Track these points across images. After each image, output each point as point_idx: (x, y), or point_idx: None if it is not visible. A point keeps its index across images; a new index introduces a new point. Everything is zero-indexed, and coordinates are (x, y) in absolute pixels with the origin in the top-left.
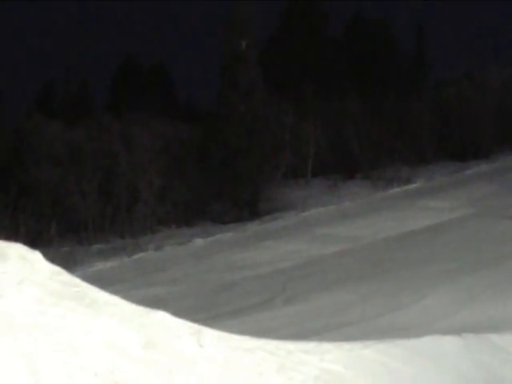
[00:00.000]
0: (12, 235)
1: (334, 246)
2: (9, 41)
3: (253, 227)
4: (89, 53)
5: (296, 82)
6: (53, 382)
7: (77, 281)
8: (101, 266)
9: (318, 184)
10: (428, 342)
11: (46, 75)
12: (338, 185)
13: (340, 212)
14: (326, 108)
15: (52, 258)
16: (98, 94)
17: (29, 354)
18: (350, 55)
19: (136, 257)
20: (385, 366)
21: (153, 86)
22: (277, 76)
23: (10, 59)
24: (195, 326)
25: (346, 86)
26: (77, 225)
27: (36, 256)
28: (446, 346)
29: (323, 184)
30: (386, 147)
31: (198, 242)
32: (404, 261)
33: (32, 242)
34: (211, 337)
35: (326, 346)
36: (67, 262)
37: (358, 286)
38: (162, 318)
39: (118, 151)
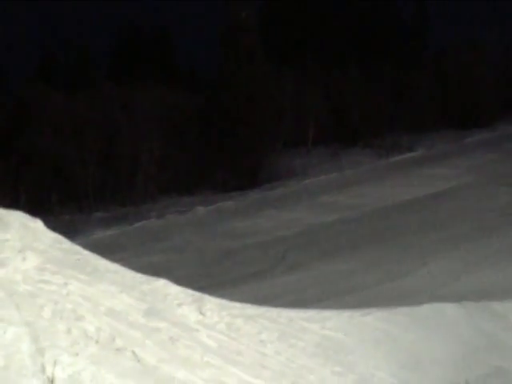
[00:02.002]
0: (13, 204)
1: (335, 214)
2: (8, 10)
3: (253, 195)
4: (89, 21)
5: (296, 50)
6: (55, 350)
7: (78, 248)
8: (102, 234)
9: (318, 152)
10: (429, 310)
11: (47, 44)
12: (338, 153)
13: (341, 180)
14: (326, 76)
15: (53, 226)
16: (99, 62)
17: (31, 322)
18: (350, 24)
19: (137, 225)
20: (386, 333)
21: (154, 54)
22: (277, 45)
23: (10, 29)
24: (196, 294)
25: (346, 55)
26: (78, 193)
27: (37, 224)
28: (447, 313)
29: (324, 152)
30: (386, 115)
31: (199, 210)
32: (405, 228)
33: (33, 210)
34: (212, 304)
35: (327, 314)
36: (68, 231)
37: (359, 253)
38: (163, 285)
39: (119, 120)
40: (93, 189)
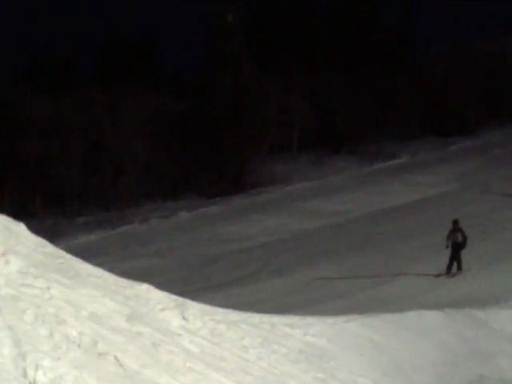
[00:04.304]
0: None
1: (318, 220)
2: None
3: (238, 201)
4: (75, 24)
5: (282, 55)
6: (37, 354)
7: (61, 253)
8: (85, 238)
9: (303, 158)
10: (412, 317)
11: (32, 47)
12: (323, 159)
13: (325, 186)
14: (312, 82)
15: (36, 230)
16: (85, 66)
17: (13, 326)
18: (337, 29)
19: (121, 229)
20: (369, 340)
21: (140, 58)
22: (263, 50)
23: None
24: (179, 299)
25: (332, 61)
26: (61, 197)
27: (20, 227)
28: (430, 320)
29: (309, 158)
30: (371, 122)
31: (183, 215)
32: (389, 235)
33: (16, 213)
34: (195, 310)
35: (310, 320)
36: (51, 234)
37: (342, 260)
38: (146, 290)
39: (104, 124)
40: (77, 193)
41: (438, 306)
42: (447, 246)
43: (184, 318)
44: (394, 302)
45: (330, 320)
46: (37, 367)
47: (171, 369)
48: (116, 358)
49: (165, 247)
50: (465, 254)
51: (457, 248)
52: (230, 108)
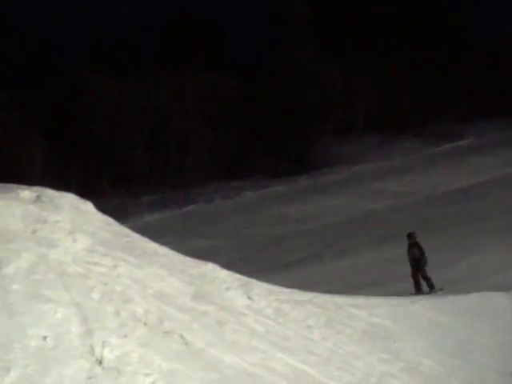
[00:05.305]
0: (64, 186)
1: (383, 201)
2: None
3: (302, 181)
4: (140, 7)
5: (346, 36)
6: (103, 331)
7: (127, 231)
8: (151, 217)
9: (368, 139)
10: (476, 299)
11: (97, 30)
12: (388, 140)
13: (390, 168)
14: (377, 63)
15: (103, 209)
16: (150, 48)
17: (81, 304)
18: (402, 10)
19: (186, 209)
20: (433, 321)
21: (203, 40)
22: (328, 31)
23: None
24: (244, 279)
25: (398, 41)
26: (128, 177)
27: (88, 206)
28: (495, 302)
29: (374, 140)
30: (437, 103)
31: (248, 195)
32: (454, 217)
33: (83, 193)
34: (260, 289)
35: (375, 301)
36: (118, 213)
37: (407, 241)
38: (211, 269)
39: (169, 104)
40: (143, 173)
41: (505, 288)
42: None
43: (249, 298)
44: (459, 284)
45: (394, 301)
46: (104, 344)
47: (236, 348)
48: (181, 336)
49: (229, 227)
50: None
51: (416, 266)
52: (295, 88)
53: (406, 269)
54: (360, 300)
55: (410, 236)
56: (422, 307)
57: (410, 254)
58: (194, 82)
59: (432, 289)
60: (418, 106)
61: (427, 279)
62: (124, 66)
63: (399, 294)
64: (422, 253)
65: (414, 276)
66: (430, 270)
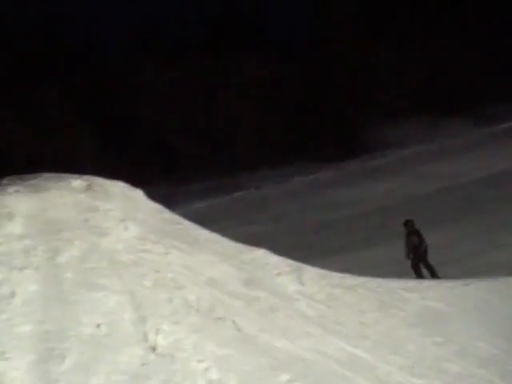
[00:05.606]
0: (114, 174)
1: (433, 184)
2: None
3: (351, 166)
4: None
5: (392, 17)
6: (156, 318)
7: (178, 218)
8: (201, 204)
9: (417, 122)
10: None
11: (145, 18)
12: (439, 121)
13: (440, 149)
14: (426, 44)
15: (152, 196)
16: (196, 32)
17: (133, 291)
18: None
19: (236, 195)
20: (487, 303)
21: (250, 25)
22: (376, 12)
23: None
24: (295, 264)
25: (446, 21)
26: (177, 164)
27: (138, 194)
28: None
29: (422, 121)
30: (488, 83)
31: (297, 180)
32: (506, 199)
33: (133, 181)
34: (311, 274)
35: (427, 284)
36: (167, 201)
37: (458, 224)
38: (262, 255)
39: (217, 90)
40: (192, 160)
41: None
42: (409, 257)
43: (300, 283)
44: (511, 266)
45: (447, 283)
46: (157, 331)
47: (289, 333)
48: (234, 322)
49: (279, 213)
50: None
51: (417, 254)
52: (344, 73)
53: (455, 253)
54: (412, 283)
55: (407, 224)
56: (475, 289)
57: (410, 243)
58: (243, 68)
59: (435, 278)
60: (468, 86)
61: (429, 267)
62: (172, 54)
63: (452, 276)
64: (422, 240)
65: (415, 266)
66: (481, 252)
